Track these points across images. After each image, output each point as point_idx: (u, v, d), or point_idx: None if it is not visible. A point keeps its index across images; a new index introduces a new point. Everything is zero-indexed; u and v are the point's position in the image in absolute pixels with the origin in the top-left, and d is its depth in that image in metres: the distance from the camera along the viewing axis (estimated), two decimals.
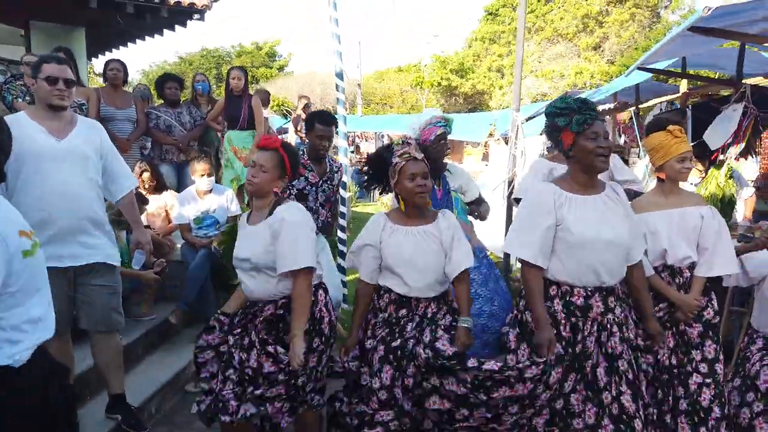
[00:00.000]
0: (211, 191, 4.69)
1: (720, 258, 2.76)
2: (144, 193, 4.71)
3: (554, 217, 2.38)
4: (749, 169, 6.88)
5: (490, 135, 12.70)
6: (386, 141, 19.41)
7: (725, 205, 4.37)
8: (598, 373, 2.39)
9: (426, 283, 2.60)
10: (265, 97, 7.54)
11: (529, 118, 8.24)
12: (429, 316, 2.62)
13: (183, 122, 5.69)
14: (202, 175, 4.58)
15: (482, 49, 29.58)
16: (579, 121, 2.34)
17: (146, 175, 4.82)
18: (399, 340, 2.50)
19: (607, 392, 2.38)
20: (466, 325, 2.54)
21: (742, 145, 4.75)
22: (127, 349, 3.59)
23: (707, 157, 4.70)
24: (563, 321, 2.41)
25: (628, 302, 2.59)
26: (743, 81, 4.93)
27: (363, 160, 17.86)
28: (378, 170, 2.71)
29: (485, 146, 12.59)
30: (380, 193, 2.89)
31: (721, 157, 4.56)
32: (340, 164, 4.20)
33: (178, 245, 4.91)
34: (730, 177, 4.30)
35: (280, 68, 34.90)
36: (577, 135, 2.36)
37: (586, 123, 2.34)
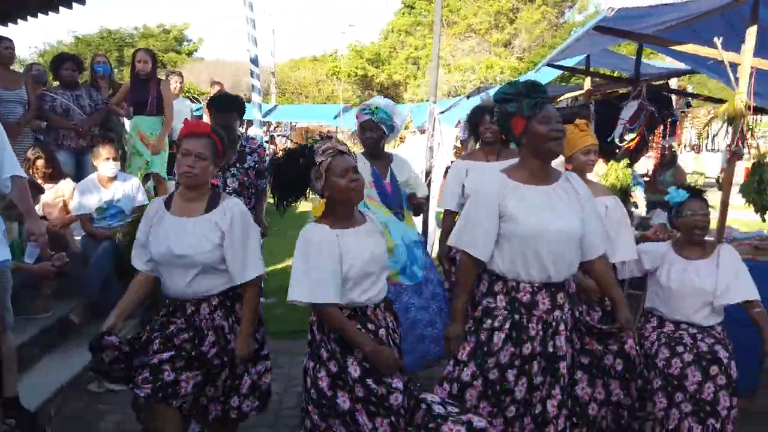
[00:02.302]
0: (115, 179, 4.41)
1: (622, 246, 2.94)
2: (39, 181, 4.35)
3: (497, 210, 2.28)
4: (642, 165, 7.42)
5: (405, 127, 12.87)
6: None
7: (622, 196, 4.67)
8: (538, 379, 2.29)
9: (383, 286, 2.36)
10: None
11: (443, 112, 8.44)
12: (390, 329, 2.36)
13: (82, 105, 5.30)
14: (108, 159, 4.29)
15: (398, 41, 29.84)
16: (529, 105, 2.21)
17: (40, 162, 4.46)
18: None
19: (538, 392, 2.29)
20: None
21: (631, 135, 5.08)
22: (23, 348, 3.35)
23: (613, 154, 4.99)
24: (502, 317, 2.31)
25: (575, 299, 2.50)
26: (640, 80, 5.29)
27: (280, 151, 17.60)
28: (294, 178, 2.30)
29: (401, 138, 12.74)
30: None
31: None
32: (259, 145, 3.85)
33: (77, 238, 4.60)
34: (628, 166, 4.60)
35: (189, 54, 33.44)
36: (528, 120, 2.23)
37: (537, 106, 2.21)
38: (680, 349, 2.83)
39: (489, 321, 2.31)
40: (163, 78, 6.14)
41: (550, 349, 2.30)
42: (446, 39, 25.53)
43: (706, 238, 3.02)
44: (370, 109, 3.36)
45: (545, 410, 2.29)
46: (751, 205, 3.70)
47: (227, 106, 3.61)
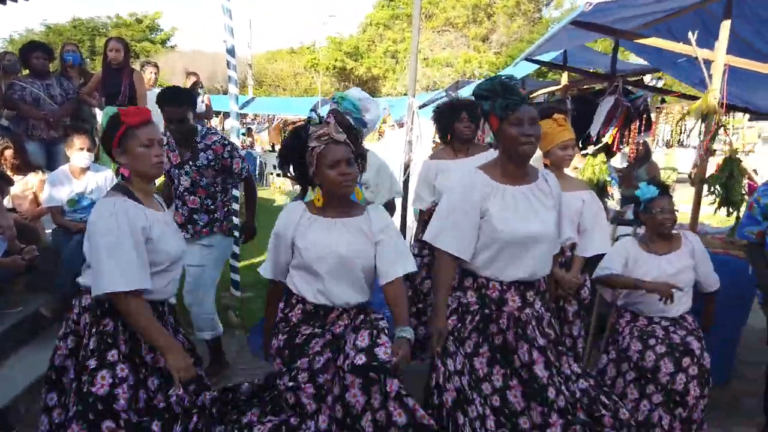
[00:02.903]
0: (88, 170, 4.31)
1: (597, 239, 2.99)
2: (9, 173, 4.24)
3: (480, 210, 2.26)
4: (617, 160, 7.50)
5: (384, 121, 12.85)
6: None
7: (599, 191, 4.72)
8: (536, 370, 2.24)
9: (349, 286, 2.27)
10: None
11: (422, 106, 8.44)
12: (344, 338, 2.23)
13: (53, 95, 5.17)
14: (82, 149, 4.18)
15: (376, 34, 29.72)
16: (502, 106, 2.17)
17: (8, 152, 4.34)
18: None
19: (551, 387, 2.22)
20: (406, 336, 2.15)
21: (611, 131, 5.14)
22: None
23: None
24: (475, 311, 2.32)
25: (546, 296, 2.49)
26: (616, 75, 5.35)
27: (254, 143, 17.21)
28: (296, 157, 2.28)
29: (380, 132, 12.73)
30: (283, 175, 2.58)
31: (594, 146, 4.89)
32: (216, 141, 3.49)
33: (48, 231, 4.49)
34: (605, 163, 4.65)
35: (163, 43, 32.86)
36: (501, 121, 2.20)
37: (509, 108, 2.17)
38: (652, 341, 2.88)
39: (468, 317, 2.34)
40: (137, 68, 6.03)
41: (538, 344, 2.28)
42: (425, 33, 25.51)
43: (673, 231, 3.09)
44: (336, 98, 3.26)
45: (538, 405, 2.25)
46: (716, 200, 3.75)
47: (174, 99, 3.36)
